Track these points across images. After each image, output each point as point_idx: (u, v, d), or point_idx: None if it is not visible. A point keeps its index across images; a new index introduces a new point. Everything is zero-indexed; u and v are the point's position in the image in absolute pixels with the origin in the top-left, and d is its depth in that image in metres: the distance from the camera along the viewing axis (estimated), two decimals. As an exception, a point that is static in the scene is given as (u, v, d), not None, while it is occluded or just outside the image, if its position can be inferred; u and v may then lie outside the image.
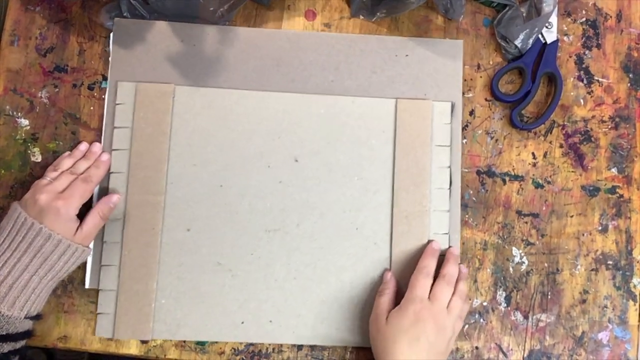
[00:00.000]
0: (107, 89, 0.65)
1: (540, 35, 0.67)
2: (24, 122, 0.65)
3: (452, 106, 0.66)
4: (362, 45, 0.67)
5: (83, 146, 0.63)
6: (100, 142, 0.64)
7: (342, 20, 0.68)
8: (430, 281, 0.60)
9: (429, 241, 0.63)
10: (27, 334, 0.56)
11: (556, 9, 0.67)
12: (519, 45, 0.66)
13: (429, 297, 0.58)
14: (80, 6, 0.66)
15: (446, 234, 0.64)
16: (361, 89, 0.66)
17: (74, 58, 0.66)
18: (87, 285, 0.62)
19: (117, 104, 0.64)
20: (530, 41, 0.66)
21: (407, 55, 0.67)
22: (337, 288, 0.63)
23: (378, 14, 0.66)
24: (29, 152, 0.64)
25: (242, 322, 0.62)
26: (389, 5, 0.65)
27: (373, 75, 0.66)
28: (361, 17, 0.68)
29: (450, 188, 0.65)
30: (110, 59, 0.65)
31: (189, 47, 0.66)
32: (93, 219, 0.59)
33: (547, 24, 0.66)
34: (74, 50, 0.66)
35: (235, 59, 0.66)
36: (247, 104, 0.65)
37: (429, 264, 0.60)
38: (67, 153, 0.63)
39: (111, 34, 0.65)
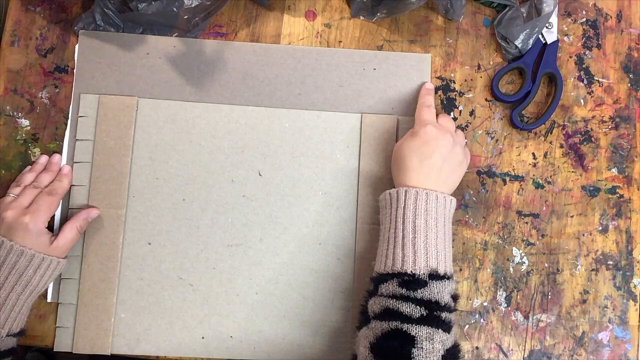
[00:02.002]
0: (72, 101, 0.64)
1: (540, 36, 0.66)
2: (25, 122, 0.65)
3: (418, 121, 0.66)
4: (329, 58, 0.67)
5: (43, 159, 0.63)
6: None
7: (343, 21, 0.68)
8: (434, 112, 0.61)
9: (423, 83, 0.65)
10: (12, 352, 0.56)
11: (556, 9, 0.67)
12: (519, 46, 0.65)
13: None
14: (81, 6, 0.66)
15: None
16: (328, 103, 0.66)
17: (74, 58, 0.65)
18: (49, 299, 0.62)
19: (80, 117, 0.64)
20: (531, 41, 0.66)
21: (374, 69, 0.67)
22: (300, 304, 0.62)
23: (378, 14, 0.66)
24: (30, 152, 0.64)
25: (203, 337, 0.62)
26: (389, 6, 0.65)
27: (340, 89, 0.66)
28: (361, 17, 0.68)
29: (415, 204, 0.64)
30: (74, 70, 0.65)
31: (154, 60, 0.65)
32: (70, 232, 0.59)
33: (547, 25, 0.66)
34: (75, 50, 0.66)
35: (200, 72, 0.65)
36: (211, 117, 0.65)
37: (427, 98, 0.63)
38: (28, 168, 0.63)
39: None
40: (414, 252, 0.52)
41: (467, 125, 0.67)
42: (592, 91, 0.68)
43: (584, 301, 0.65)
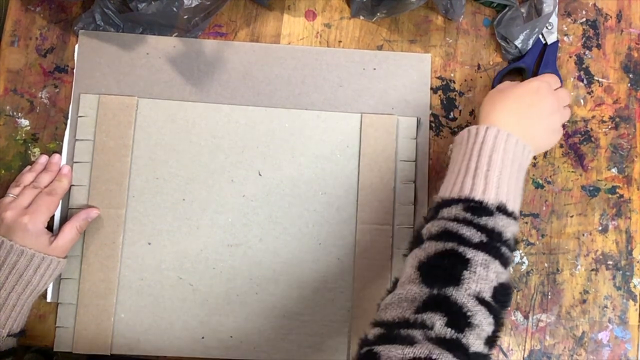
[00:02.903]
0: (71, 101, 0.64)
1: (540, 36, 0.66)
2: (25, 122, 0.65)
3: (418, 121, 0.66)
4: (329, 58, 0.67)
5: (43, 159, 0.63)
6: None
7: (343, 21, 0.68)
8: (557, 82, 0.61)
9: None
10: (12, 352, 0.56)
11: (556, 9, 0.67)
12: (519, 46, 0.65)
13: None
14: (81, 6, 0.66)
15: (411, 249, 0.63)
16: (327, 103, 0.66)
17: (74, 58, 0.65)
18: (48, 299, 0.62)
19: (80, 117, 0.64)
20: (530, 42, 0.66)
21: (374, 69, 0.67)
22: (300, 304, 0.62)
23: (378, 14, 0.66)
24: (30, 152, 0.64)
25: (203, 337, 0.62)
26: (389, 6, 0.65)
27: (339, 89, 0.66)
28: (361, 17, 0.68)
29: (415, 204, 0.64)
30: (74, 70, 0.65)
31: (154, 60, 0.65)
32: (70, 232, 0.59)
33: (547, 25, 0.66)
34: (74, 50, 0.66)
35: (200, 72, 0.65)
36: (211, 117, 0.65)
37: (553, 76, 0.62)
38: (28, 168, 0.63)
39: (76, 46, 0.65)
40: (486, 182, 0.49)
41: (467, 125, 0.66)
42: (592, 91, 0.68)
43: (584, 301, 0.65)
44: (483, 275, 0.45)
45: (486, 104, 0.57)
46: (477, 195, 0.49)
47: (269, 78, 0.66)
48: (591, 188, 0.67)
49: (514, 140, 0.52)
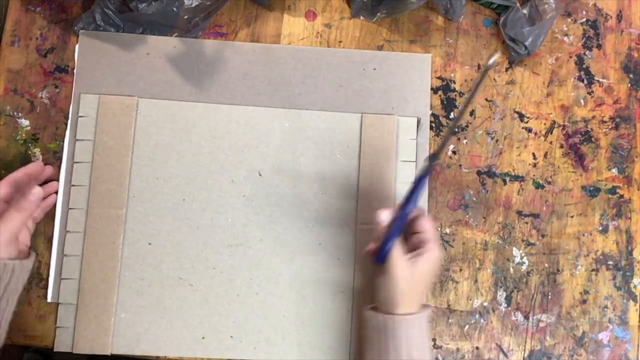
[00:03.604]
0: (72, 101, 0.64)
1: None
2: (25, 122, 0.65)
3: (418, 121, 0.66)
4: (329, 58, 0.67)
5: (46, 170, 0.61)
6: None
7: (343, 21, 0.68)
8: None
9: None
10: None
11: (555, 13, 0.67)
12: (528, 46, 0.65)
13: None
14: (81, 6, 0.66)
15: (411, 249, 0.63)
16: (327, 103, 0.66)
17: (74, 58, 0.65)
18: (49, 299, 0.62)
19: (80, 117, 0.64)
20: (539, 42, 0.65)
21: (374, 69, 0.67)
22: (300, 304, 0.62)
23: (378, 14, 0.66)
24: (30, 152, 0.64)
25: (203, 337, 0.62)
26: (390, 6, 0.65)
27: (340, 89, 0.66)
28: (362, 17, 0.68)
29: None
30: (74, 70, 0.65)
31: (154, 60, 0.65)
32: (11, 218, 0.53)
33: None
34: (75, 50, 0.66)
35: (200, 72, 0.65)
36: (211, 117, 0.65)
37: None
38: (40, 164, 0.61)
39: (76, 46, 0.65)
40: None
41: (467, 126, 0.67)
42: (592, 91, 0.68)
43: (584, 301, 0.65)
44: None
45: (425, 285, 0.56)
46: None
47: (269, 78, 0.66)
48: (591, 188, 0.67)
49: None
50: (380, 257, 0.53)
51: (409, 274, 0.53)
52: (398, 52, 0.67)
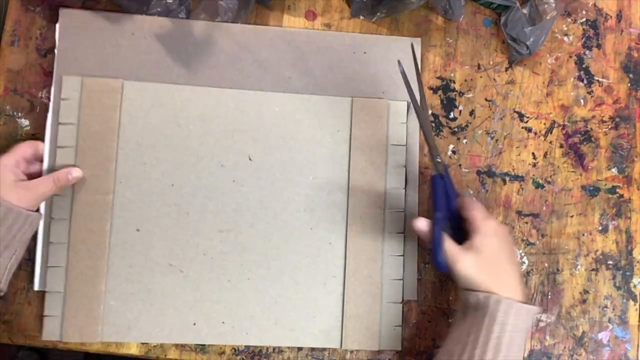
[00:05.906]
0: (53, 83, 0.62)
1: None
2: (25, 122, 0.63)
3: (408, 105, 0.66)
4: (319, 41, 0.66)
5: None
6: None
7: (343, 21, 0.67)
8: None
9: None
10: None
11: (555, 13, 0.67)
12: (530, 46, 0.65)
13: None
14: (81, 6, 0.64)
15: (401, 233, 0.64)
16: (318, 87, 0.65)
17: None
18: (35, 287, 0.60)
19: (62, 99, 0.61)
20: (541, 41, 0.65)
21: (365, 53, 0.66)
22: (291, 289, 0.62)
23: (378, 14, 0.65)
24: None
25: (194, 324, 0.61)
26: (389, 6, 0.64)
27: (330, 73, 0.65)
28: (361, 17, 0.67)
29: (405, 188, 0.65)
30: (55, 51, 0.62)
31: (140, 40, 0.63)
32: (45, 184, 0.57)
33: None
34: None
35: (188, 54, 0.64)
36: (200, 100, 0.63)
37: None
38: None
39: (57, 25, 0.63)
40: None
41: (467, 126, 0.67)
42: (592, 91, 0.69)
43: (584, 301, 0.66)
44: None
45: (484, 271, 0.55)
46: None
47: (259, 61, 0.65)
48: (591, 188, 0.68)
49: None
50: (439, 266, 0.54)
51: (473, 265, 0.53)
52: (388, 36, 0.67)
